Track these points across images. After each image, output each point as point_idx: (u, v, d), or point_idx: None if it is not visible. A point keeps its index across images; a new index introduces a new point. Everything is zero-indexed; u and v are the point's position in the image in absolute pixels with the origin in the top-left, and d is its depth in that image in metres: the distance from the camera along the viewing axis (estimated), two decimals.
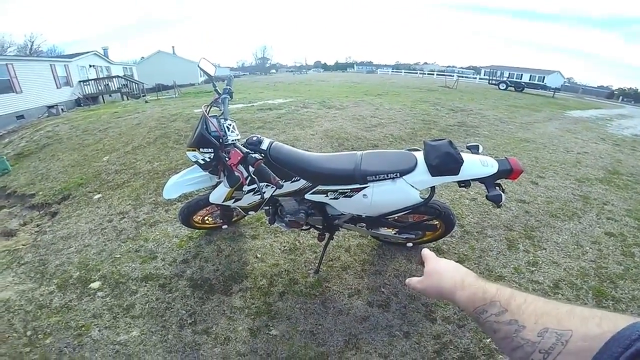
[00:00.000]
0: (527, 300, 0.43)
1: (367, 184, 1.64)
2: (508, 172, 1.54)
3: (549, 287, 2.08)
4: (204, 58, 1.81)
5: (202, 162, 1.73)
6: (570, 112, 10.99)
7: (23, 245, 2.75)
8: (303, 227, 2.00)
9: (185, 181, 2.01)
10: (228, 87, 1.91)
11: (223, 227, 2.55)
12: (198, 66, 1.80)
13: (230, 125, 1.72)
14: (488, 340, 1.68)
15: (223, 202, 1.89)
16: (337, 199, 1.74)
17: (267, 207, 1.97)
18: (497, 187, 1.53)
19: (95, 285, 2.15)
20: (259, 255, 2.34)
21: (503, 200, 1.49)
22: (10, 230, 3.03)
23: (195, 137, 1.71)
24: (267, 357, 1.68)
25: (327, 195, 1.74)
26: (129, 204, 3.15)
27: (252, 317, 1.89)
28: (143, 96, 15.91)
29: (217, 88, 1.86)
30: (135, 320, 1.88)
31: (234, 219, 2.53)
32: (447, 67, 67.66)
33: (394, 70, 48.41)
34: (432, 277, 0.59)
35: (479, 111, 7.99)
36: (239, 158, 1.48)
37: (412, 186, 1.60)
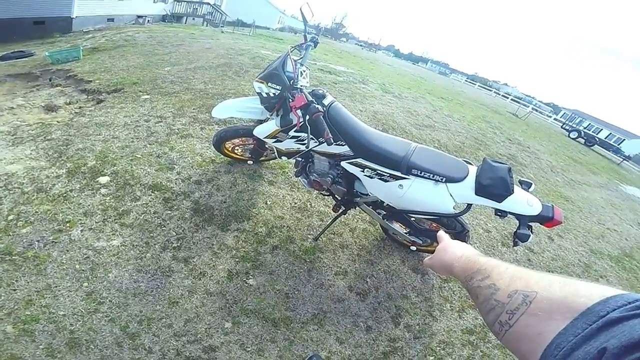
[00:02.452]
0: (509, 269, 0.43)
1: (408, 175, 1.53)
2: (547, 219, 1.44)
3: None
4: (307, 4, 1.78)
5: (265, 95, 1.70)
6: (626, 186, 9.26)
7: (58, 122, 2.71)
8: (322, 192, 1.92)
9: (239, 107, 1.97)
10: (316, 36, 1.90)
11: (248, 162, 2.42)
12: (300, 9, 1.76)
13: (304, 71, 1.71)
14: (431, 358, 1.68)
15: (265, 137, 1.81)
16: (371, 177, 1.63)
17: (300, 159, 1.89)
18: (528, 228, 1.45)
19: (103, 180, 2.05)
20: (268, 202, 2.16)
21: (529, 241, 1.43)
22: (53, 106, 3.03)
23: (269, 71, 1.69)
24: (233, 304, 1.56)
25: (363, 171, 1.64)
26: (171, 111, 3.05)
27: (237, 260, 1.74)
28: (221, 26, 15.96)
29: (306, 34, 1.83)
30: (123, 229, 1.76)
31: (261, 159, 2.38)
32: (526, 95, 60.03)
33: (468, 80, 43.95)
34: (439, 253, 0.60)
35: (535, 151, 7.02)
36: (303, 103, 1.46)
37: (451, 196, 1.49)
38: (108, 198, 1.92)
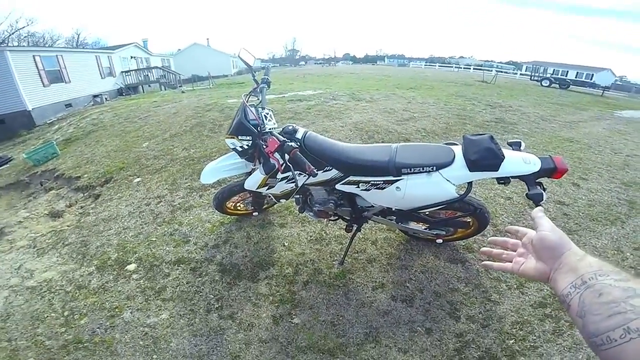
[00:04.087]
0: None
1: (401, 176, 1.59)
2: (551, 170, 1.45)
3: None
4: (244, 48, 1.83)
5: (239, 149, 1.79)
6: (620, 112, 9.98)
7: (68, 226, 2.97)
8: (331, 218, 2.01)
9: (222, 167, 2.06)
10: (266, 77, 1.97)
11: (254, 214, 2.60)
12: (238, 56, 1.82)
13: (267, 114, 1.77)
14: (511, 342, 1.66)
15: (257, 188, 1.91)
16: (368, 190, 1.70)
17: (298, 196, 1.98)
18: (538, 186, 1.44)
19: (131, 267, 2.28)
20: (286, 244, 2.36)
21: (544, 199, 1.39)
22: (57, 211, 3.28)
23: (234, 125, 1.77)
24: (287, 345, 1.70)
25: (358, 186, 1.72)
26: (166, 188, 3.28)
27: (276, 304, 1.92)
28: (180, 87, 16.42)
29: (255, 78, 1.90)
30: (166, 303, 1.97)
31: (264, 207, 2.57)
32: (485, 61, 63.14)
33: (428, 64, 46.37)
34: (546, 238, 0.56)
35: (518, 108, 7.47)
36: (276, 146, 1.49)
37: (449, 181, 1.53)
38: (142, 281, 2.15)
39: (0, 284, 2.26)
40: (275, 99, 7.27)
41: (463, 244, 2.23)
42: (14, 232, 2.98)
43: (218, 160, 2.12)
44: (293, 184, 1.83)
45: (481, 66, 34.59)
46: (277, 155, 1.55)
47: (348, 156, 1.70)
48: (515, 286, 1.96)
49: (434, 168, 1.54)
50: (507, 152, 1.49)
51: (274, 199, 2.10)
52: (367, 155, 1.69)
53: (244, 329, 1.78)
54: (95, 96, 14.27)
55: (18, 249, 2.68)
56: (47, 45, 26.02)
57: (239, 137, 1.75)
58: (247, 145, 1.76)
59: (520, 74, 28.71)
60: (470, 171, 1.50)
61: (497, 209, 2.71)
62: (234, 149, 1.82)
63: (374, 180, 1.65)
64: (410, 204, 1.68)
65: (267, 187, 1.90)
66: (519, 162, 1.47)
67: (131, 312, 1.92)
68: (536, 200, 1.39)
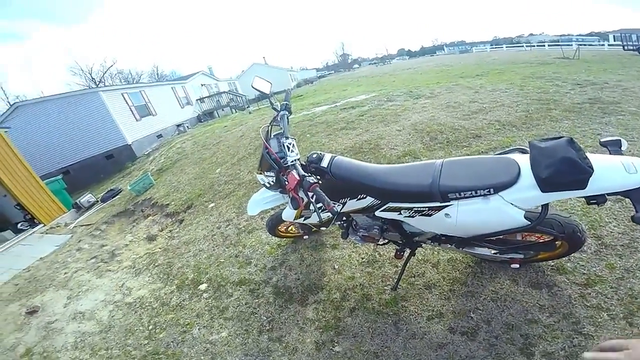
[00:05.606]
0: None
1: (449, 201, 1.32)
2: None
3: None
4: (258, 76, 1.79)
5: (268, 184, 1.77)
6: None
7: (159, 249, 3.55)
8: (379, 242, 1.86)
9: (263, 199, 2.08)
10: (285, 102, 1.83)
11: (304, 237, 2.71)
12: (252, 86, 1.77)
13: (290, 144, 1.62)
14: None
15: (294, 220, 1.92)
16: (412, 217, 1.49)
17: (340, 222, 1.88)
18: None
19: (202, 287, 2.62)
20: (336, 267, 2.37)
21: None
22: (152, 235, 3.96)
23: (259, 160, 1.77)
24: None
25: (400, 213, 1.51)
26: (234, 211, 3.65)
27: (321, 330, 1.94)
28: (247, 107, 17.80)
29: (274, 105, 1.81)
30: (227, 322, 2.21)
31: (313, 229, 2.62)
32: (561, 36, 54.16)
33: (493, 46, 42.07)
34: None
35: (617, 83, 6.02)
36: (296, 182, 1.41)
37: (513, 205, 1.21)
38: (210, 300, 2.46)
39: (108, 299, 2.85)
40: (328, 110, 7.36)
41: (552, 264, 1.82)
42: (121, 254, 3.71)
43: (259, 192, 2.14)
44: (328, 213, 1.66)
45: (557, 41, 29.76)
46: (300, 192, 1.45)
47: (381, 181, 1.49)
48: (621, 316, 1.51)
49: (492, 190, 1.22)
50: (599, 158, 1.10)
51: (315, 228, 2.08)
52: (404, 179, 1.45)
53: (288, 353, 1.87)
54: (178, 125, 16.27)
55: (123, 268, 3.34)
56: (134, 82, 30.64)
57: (265, 173, 1.72)
58: (273, 180, 1.71)
59: (609, 45, 23.79)
60: (542, 191, 1.14)
61: (602, 216, 2.08)
62: (264, 185, 1.81)
63: (417, 207, 1.42)
64: (466, 232, 1.42)
65: (303, 218, 1.87)
66: (618, 171, 1.06)
67: (199, 329, 2.22)
68: None
